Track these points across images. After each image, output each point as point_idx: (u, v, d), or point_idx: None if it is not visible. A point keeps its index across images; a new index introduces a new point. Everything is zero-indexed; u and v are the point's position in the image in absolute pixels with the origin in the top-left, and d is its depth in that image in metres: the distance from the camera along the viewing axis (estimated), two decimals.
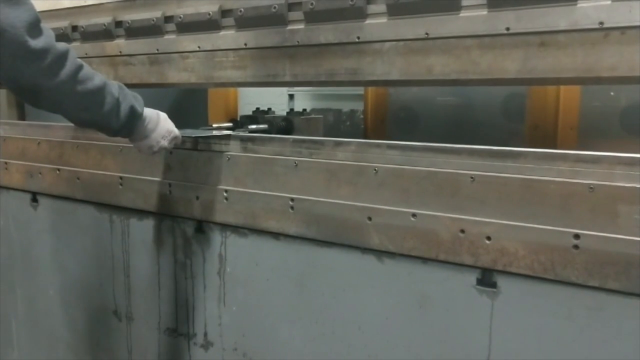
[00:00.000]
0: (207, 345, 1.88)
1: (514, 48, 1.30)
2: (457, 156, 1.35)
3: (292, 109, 2.30)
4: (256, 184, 1.68)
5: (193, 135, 1.78)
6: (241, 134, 1.77)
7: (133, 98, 1.55)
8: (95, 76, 1.45)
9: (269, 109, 2.42)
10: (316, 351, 1.63)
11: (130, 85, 1.96)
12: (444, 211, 1.37)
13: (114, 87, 1.50)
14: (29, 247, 2.43)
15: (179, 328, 1.95)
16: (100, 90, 1.45)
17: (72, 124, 2.12)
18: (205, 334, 1.88)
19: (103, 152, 2.05)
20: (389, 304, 1.49)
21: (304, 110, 2.44)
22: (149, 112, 1.61)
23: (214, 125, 1.99)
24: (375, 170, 1.47)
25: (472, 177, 1.33)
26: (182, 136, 1.72)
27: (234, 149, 1.73)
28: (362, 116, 2.81)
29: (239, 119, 2.28)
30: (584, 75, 1.24)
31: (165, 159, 1.88)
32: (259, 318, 1.75)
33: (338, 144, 1.53)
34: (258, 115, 2.16)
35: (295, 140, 1.62)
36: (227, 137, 1.75)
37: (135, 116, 1.55)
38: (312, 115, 2.20)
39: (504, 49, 1.31)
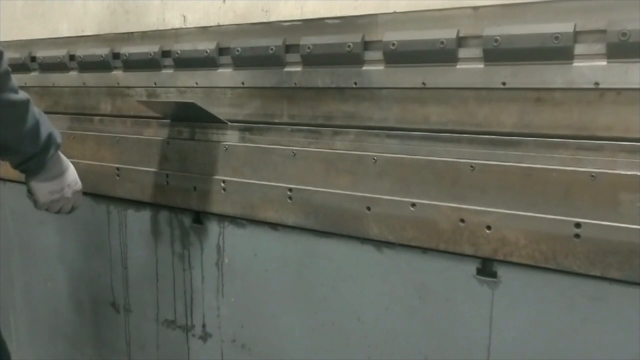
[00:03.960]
0: (205, 336, 1.87)
1: (511, 102, 1.30)
2: (457, 145, 1.34)
3: None
4: (254, 174, 1.66)
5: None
6: (237, 123, 1.75)
7: (53, 127, 1.42)
8: (20, 91, 1.31)
9: None
10: (315, 342, 1.62)
11: (128, 117, 1.97)
12: (443, 200, 1.35)
13: (36, 109, 1.37)
14: (26, 239, 2.42)
15: (177, 320, 1.94)
16: (24, 106, 1.31)
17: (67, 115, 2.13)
18: (204, 326, 1.87)
19: (100, 143, 2.04)
20: (389, 295, 1.48)
21: None
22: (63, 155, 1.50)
23: None
24: (374, 159, 1.45)
25: (472, 166, 1.32)
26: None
27: (231, 139, 1.72)
28: None
29: None
30: (580, 133, 1.23)
31: (163, 150, 1.86)
32: (258, 309, 1.74)
33: (336, 133, 1.52)
34: None
35: (293, 130, 1.60)
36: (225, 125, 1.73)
37: (51, 145, 1.41)
38: None
39: (501, 103, 1.31)
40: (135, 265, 2.04)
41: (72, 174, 1.56)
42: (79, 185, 1.58)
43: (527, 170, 1.25)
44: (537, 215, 1.24)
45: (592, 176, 1.18)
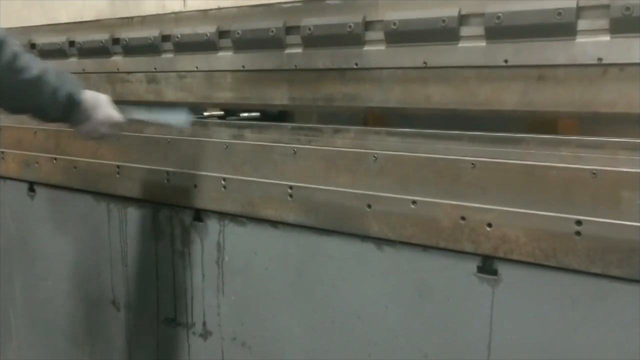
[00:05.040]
0: (205, 334, 1.87)
1: (513, 80, 1.29)
2: (457, 142, 1.34)
3: None
4: (254, 171, 1.66)
5: (137, 118, 1.73)
6: (237, 121, 1.75)
7: (71, 84, 1.52)
8: (33, 64, 1.42)
9: None
10: (315, 340, 1.62)
11: (128, 102, 1.95)
12: (444, 198, 1.35)
13: (52, 75, 1.46)
14: (26, 237, 2.42)
15: (178, 318, 1.94)
16: (37, 81, 1.42)
17: None
18: (204, 324, 1.87)
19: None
20: (389, 293, 1.48)
21: None
22: (89, 96, 1.57)
23: (205, 114, 1.98)
24: (374, 157, 1.45)
25: (472, 164, 1.31)
26: (129, 119, 1.69)
27: (232, 137, 1.71)
28: None
29: None
30: (582, 110, 1.23)
31: (163, 147, 1.86)
32: (258, 307, 1.73)
33: (337, 130, 1.52)
34: None
35: (293, 128, 1.60)
36: (204, 121, 1.72)
37: (72, 104, 1.52)
38: None
39: (502, 81, 1.30)
40: (135, 263, 2.04)
41: (102, 113, 1.60)
42: (112, 119, 1.63)
43: (528, 167, 1.25)
44: (538, 212, 1.24)
45: (593, 174, 1.18)
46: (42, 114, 1.51)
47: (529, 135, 1.26)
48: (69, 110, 1.52)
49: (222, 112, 1.98)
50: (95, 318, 2.21)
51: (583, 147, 1.20)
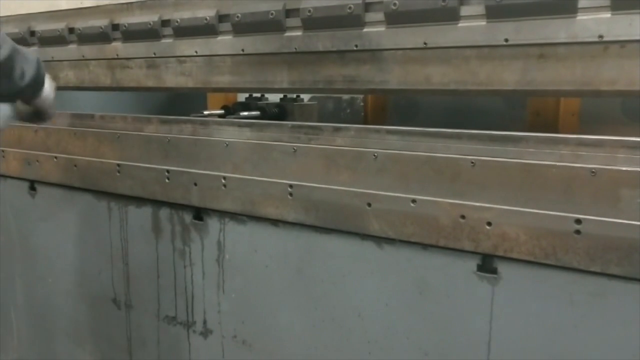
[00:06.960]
0: (206, 332, 1.87)
1: (513, 59, 1.29)
2: (457, 141, 1.34)
3: (285, 96, 2.26)
4: (255, 170, 1.66)
5: None
6: (237, 119, 1.75)
7: (34, 64, 1.41)
8: (3, 44, 1.30)
9: (262, 95, 2.39)
10: (316, 338, 1.63)
11: (128, 89, 1.96)
12: (444, 196, 1.35)
13: (18, 58, 1.34)
14: (27, 236, 2.42)
15: (178, 316, 1.94)
16: (8, 61, 1.30)
17: (69, 111, 2.13)
18: (205, 322, 1.87)
19: (100, 139, 2.04)
20: (389, 291, 1.48)
21: (297, 96, 2.42)
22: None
23: (206, 112, 1.98)
24: (374, 155, 1.45)
25: (472, 162, 1.32)
26: None
27: (232, 135, 1.72)
28: (362, 104, 2.79)
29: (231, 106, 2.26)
30: (583, 88, 1.23)
31: (163, 146, 1.86)
32: (258, 305, 1.74)
33: (337, 129, 1.52)
34: (251, 102, 2.14)
35: (293, 126, 1.60)
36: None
37: (38, 87, 1.43)
38: (306, 102, 2.19)
39: (503, 60, 1.30)
40: (136, 262, 2.04)
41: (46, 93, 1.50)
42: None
43: (528, 166, 1.25)
44: (538, 211, 1.24)
45: (593, 172, 1.18)
46: (9, 97, 1.40)
47: (528, 134, 1.26)
48: (33, 93, 1.43)
49: (222, 111, 1.98)
50: (96, 316, 2.22)
51: (582, 146, 1.20)
